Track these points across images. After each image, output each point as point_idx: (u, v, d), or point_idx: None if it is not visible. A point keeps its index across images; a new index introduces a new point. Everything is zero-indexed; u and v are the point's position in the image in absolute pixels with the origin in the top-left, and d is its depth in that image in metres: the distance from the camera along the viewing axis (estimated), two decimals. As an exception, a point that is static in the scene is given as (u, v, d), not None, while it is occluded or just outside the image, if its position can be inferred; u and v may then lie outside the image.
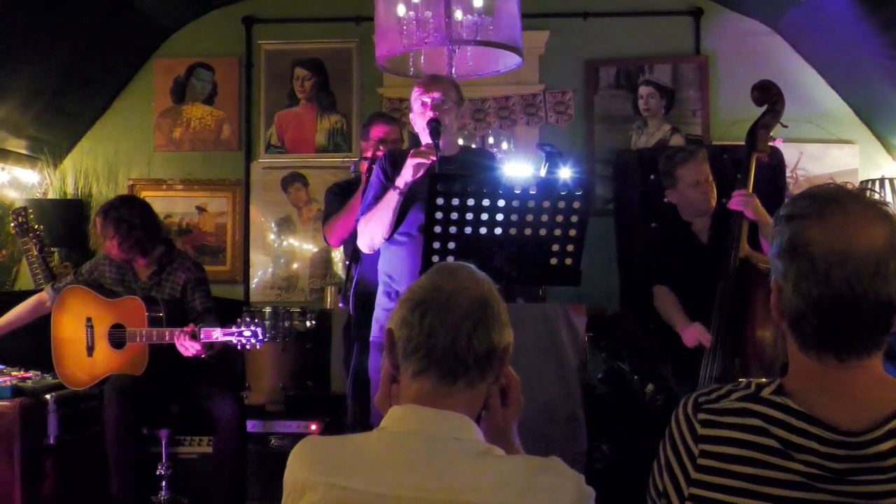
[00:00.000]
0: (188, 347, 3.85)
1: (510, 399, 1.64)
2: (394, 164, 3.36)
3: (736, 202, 3.53)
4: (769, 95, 3.56)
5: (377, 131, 4.32)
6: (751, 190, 3.54)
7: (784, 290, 1.41)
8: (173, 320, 4.05)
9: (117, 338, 4.12)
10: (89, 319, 4.17)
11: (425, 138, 3.33)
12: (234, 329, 3.84)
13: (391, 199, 3.26)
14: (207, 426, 4.17)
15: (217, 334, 3.84)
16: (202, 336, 3.85)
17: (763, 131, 3.56)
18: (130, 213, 4.20)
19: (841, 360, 1.38)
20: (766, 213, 3.56)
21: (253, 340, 3.81)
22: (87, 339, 4.17)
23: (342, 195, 4.27)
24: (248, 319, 3.90)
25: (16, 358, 4.36)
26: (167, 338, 3.92)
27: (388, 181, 3.34)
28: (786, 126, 3.60)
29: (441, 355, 1.50)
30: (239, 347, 3.89)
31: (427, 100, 3.34)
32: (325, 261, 5.97)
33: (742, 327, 3.39)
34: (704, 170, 3.92)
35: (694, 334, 3.63)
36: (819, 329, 1.38)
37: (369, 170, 4.08)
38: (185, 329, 3.87)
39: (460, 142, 3.76)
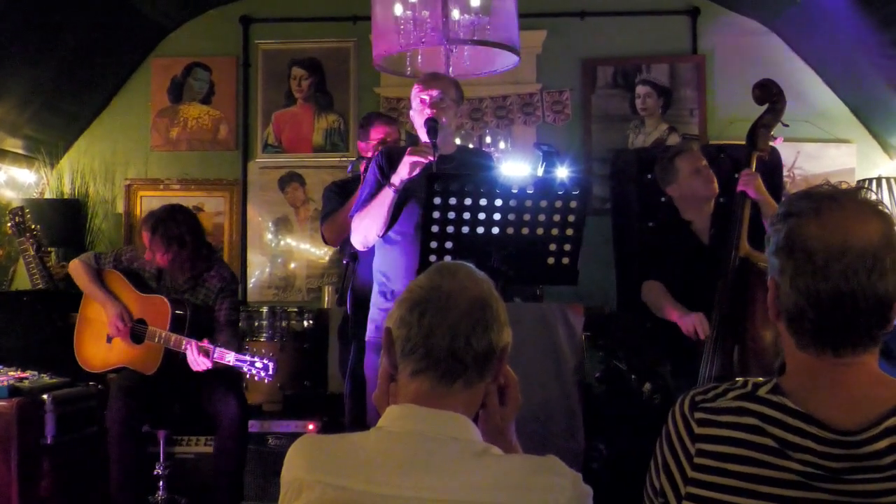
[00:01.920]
0: (199, 363, 3.87)
1: (508, 398, 1.64)
2: (390, 162, 3.35)
3: (742, 182, 3.54)
4: (770, 94, 3.56)
5: (377, 132, 4.31)
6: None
7: (781, 287, 1.41)
8: (197, 327, 4.07)
9: (137, 332, 4.14)
10: None
11: (424, 136, 3.33)
12: (247, 357, 3.84)
13: (386, 197, 3.25)
14: (208, 426, 4.18)
15: (230, 358, 3.85)
16: (215, 356, 3.86)
17: (764, 130, 3.56)
18: (179, 228, 4.13)
19: (838, 355, 1.39)
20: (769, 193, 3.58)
21: (262, 374, 3.80)
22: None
23: (341, 194, 4.27)
24: (263, 351, 3.92)
25: (13, 357, 4.36)
26: (183, 347, 3.93)
27: (384, 178, 3.33)
28: (787, 125, 3.60)
29: (440, 355, 1.49)
30: (248, 376, 3.90)
31: (426, 97, 3.33)
32: (322, 260, 5.96)
33: (742, 326, 3.38)
34: (701, 157, 3.94)
35: (692, 322, 3.60)
36: (817, 323, 1.38)
37: (366, 169, 4.08)
38: (200, 344, 3.88)
39: (457, 141, 3.76)
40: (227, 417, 4.06)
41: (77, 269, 4.29)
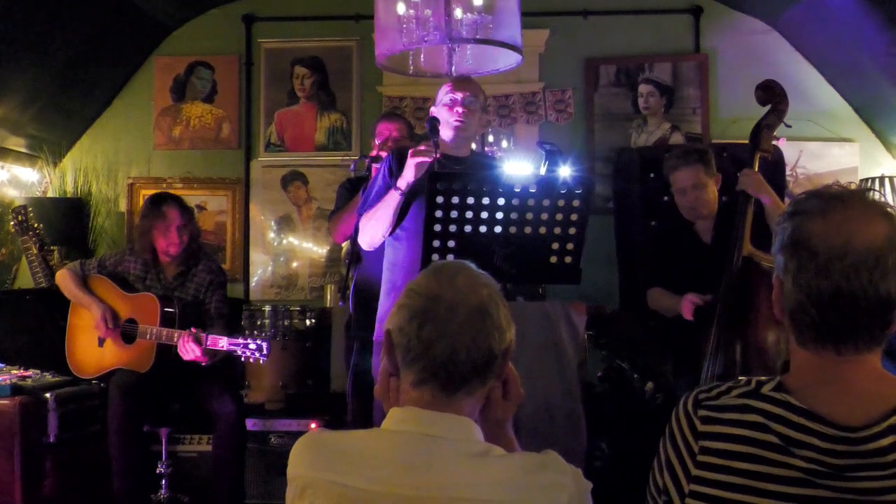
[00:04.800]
0: (189, 351, 3.89)
1: (510, 393, 1.64)
2: (400, 162, 3.35)
3: (741, 181, 3.52)
4: (773, 95, 3.55)
5: (382, 129, 4.34)
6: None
7: (785, 284, 1.42)
8: (187, 321, 4.08)
9: (128, 332, 4.15)
10: None
11: (446, 132, 3.34)
12: (240, 340, 3.89)
13: (392, 200, 3.25)
14: (207, 424, 4.19)
15: (223, 343, 3.90)
16: (208, 343, 3.89)
17: (767, 131, 3.55)
18: (191, 213, 4.40)
19: (839, 353, 1.40)
20: (774, 193, 3.55)
21: (257, 354, 3.86)
22: None
23: (352, 190, 4.29)
24: (255, 333, 3.93)
25: (15, 356, 4.36)
26: (175, 339, 3.96)
27: (393, 179, 3.33)
28: (789, 126, 3.60)
29: (439, 368, 1.49)
30: (242, 359, 3.93)
31: (458, 97, 3.34)
32: (325, 259, 5.96)
33: (745, 326, 3.38)
34: (692, 177, 3.81)
35: (688, 307, 3.61)
36: (818, 322, 1.39)
37: (368, 167, 4.09)
38: (191, 332, 3.90)
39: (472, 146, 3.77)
40: (223, 416, 4.09)
41: (63, 278, 4.32)
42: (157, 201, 4.31)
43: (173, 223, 4.22)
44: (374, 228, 3.34)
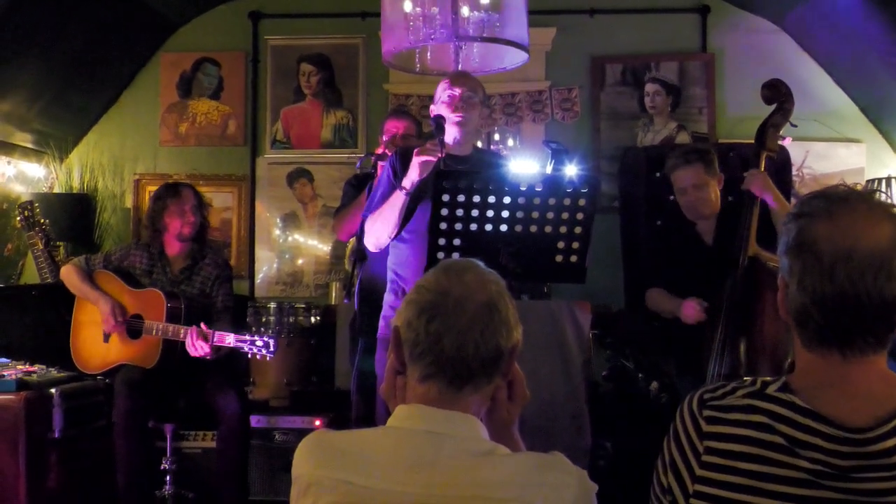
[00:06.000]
0: (198, 348, 3.90)
1: (515, 394, 1.64)
2: (404, 163, 3.35)
3: (746, 181, 3.51)
4: (779, 94, 3.54)
5: (390, 126, 4.33)
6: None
7: (790, 286, 1.42)
8: (193, 316, 4.09)
9: (134, 328, 4.15)
10: None
11: (450, 130, 3.34)
12: (247, 337, 3.90)
13: (398, 200, 3.25)
14: (212, 421, 4.20)
15: (230, 339, 3.90)
16: (215, 339, 3.89)
17: (772, 130, 3.55)
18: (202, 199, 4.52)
19: (844, 356, 1.39)
20: (780, 194, 3.54)
21: (264, 351, 3.86)
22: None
23: (358, 187, 4.29)
24: (260, 330, 3.93)
25: (21, 351, 4.37)
26: (181, 335, 3.96)
27: (397, 180, 3.33)
28: (795, 125, 3.59)
29: (447, 362, 1.49)
30: (249, 356, 3.94)
31: (456, 93, 3.33)
32: (330, 256, 5.97)
33: (751, 326, 3.38)
34: (692, 177, 3.79)
35: (690, 314, 3.60)
36: (822, 325, 1.38)
37: (375, 165, 4.09)
38: (199, 329, 3.90)
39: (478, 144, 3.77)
40: (227, 412, 4.10)
41: (68, 273, 4.33)
42: (173, 184, 4.44)
43: (188, 202, 4.29)
44: (379, 230, 3.33)
